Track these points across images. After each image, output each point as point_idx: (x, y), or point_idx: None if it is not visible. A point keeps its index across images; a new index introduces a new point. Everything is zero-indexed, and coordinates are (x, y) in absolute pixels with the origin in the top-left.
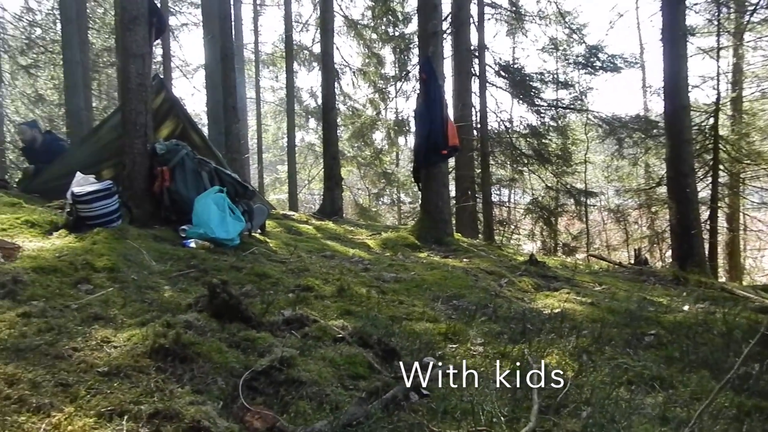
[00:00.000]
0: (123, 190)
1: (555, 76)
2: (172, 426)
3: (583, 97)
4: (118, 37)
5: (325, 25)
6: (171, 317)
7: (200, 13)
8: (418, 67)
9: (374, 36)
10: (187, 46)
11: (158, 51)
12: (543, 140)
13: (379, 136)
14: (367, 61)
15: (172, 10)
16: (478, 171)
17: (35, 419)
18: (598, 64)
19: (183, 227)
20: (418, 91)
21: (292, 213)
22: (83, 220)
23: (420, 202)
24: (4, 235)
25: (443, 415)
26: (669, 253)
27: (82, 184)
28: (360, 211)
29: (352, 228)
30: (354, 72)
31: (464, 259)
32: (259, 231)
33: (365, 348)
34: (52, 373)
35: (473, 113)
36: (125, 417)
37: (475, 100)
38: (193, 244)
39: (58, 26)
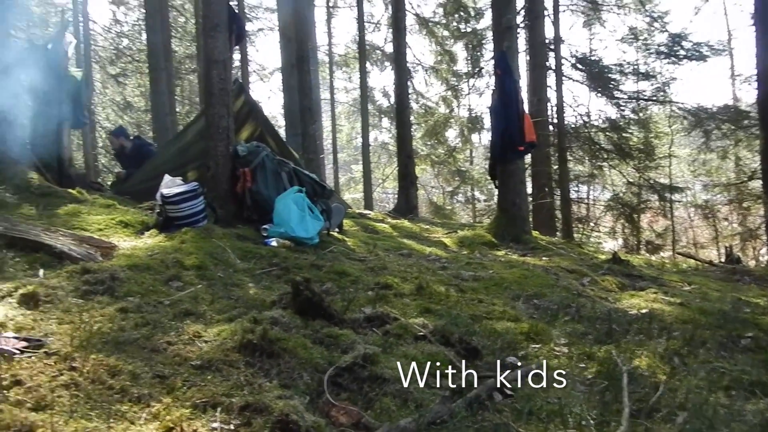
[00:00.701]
0: (208, 191)
1: (635, 67)
2: (261, 419)
3: (666, 88)
4: (200, 45)
5: (397, 23)
6: (257, 314)
7: (276, 17)
8: (491, 62)
9: (446, 33)
10: (264, 50)
11: (237, 56)
12: (623, 134)
13: (452, 134)
14: (439, 58)
15: (249, 16)
16: (556, 167)
17: (136, 408)
18: (682, 53)
19: (264, 226)
20: (492, 87)
21: (367, 212)
22: (172, 220)
23: (496, 199)
24: (101, 234)
25: (528, 416)
26: (764, 250)
27: (170, 186)
28: (434, 209)
29: (427, 226)
30: (426, 70)
31: (543, 258)
32: (337, 230)
33: (446, 346)
34: (149, 365)
35: (549, 108)
36: (218, 409)
37: (551, 94)
38: (274, 243)
39: (144, 36)
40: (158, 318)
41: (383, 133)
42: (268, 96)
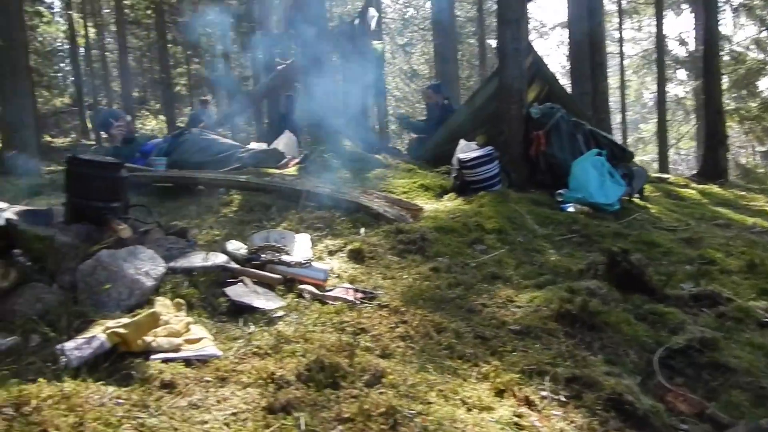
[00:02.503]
0: (501, 155)
1: None
2: (592, 394)
3: None
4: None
5: None
6: (572, 283)
7: None
8: None
9: None
10: (542, 4)
11: None
12: None
13: (766, 84)
14: None
15: None
16: None
17: (465, 366)
18: None
19: (560, 191)
20: None
21: (666, 176)
22: (468, 184)
23: None
24: (406, 197)
25: None
26: None
27: (467, 150)
28: (743, 172)
29: (742, 193)
30: (735, 9)
31: None
32: (637, 195)
33: None
34: (470, 325)
35: None
36: (545, 377)
37: None
38: (571, 209)
39: (428, 4)
40: (468, 279)
41: (676, 88)
42: (547, 54)
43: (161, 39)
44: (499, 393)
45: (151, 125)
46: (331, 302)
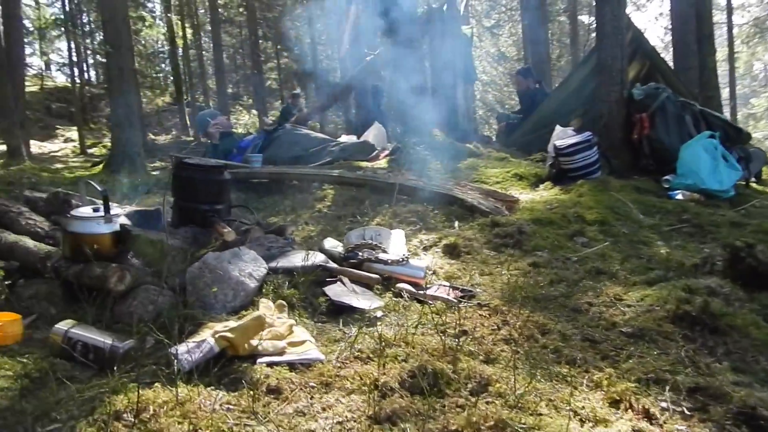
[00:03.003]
0: (600, 140)
1: None
2: (720, 407)
3: None
4: None
5: None
6: (688, 281)
7: None
8: None
9: None
10: None
11: None
12: None
13: None
14: None
15: None
16: None
17: (574, 372)
18: None
19: (666, 177)
20: None
21: None
22: (565, 172)
23: None
24: (499, 187)
25: None
26: None
27: (563, 137)
28: None
29: None
30: None
31: None
32: (754, 180)
33: None
34: (576, 326)
35: None
36: (664, 387)
37: None
38: (680, 196)
39: None
40: (570, 275)
41: None
42: (644, 28)
43: (252, 35)
44: (615, 403)
45: (245, 119)
46: (430, 302)
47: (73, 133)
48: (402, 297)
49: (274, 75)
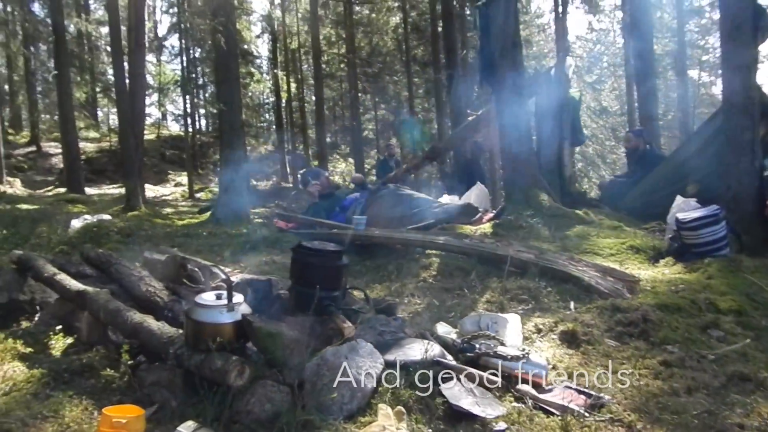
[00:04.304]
0: (728, 213)
1: None
2: None
3: None
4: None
5: None
6: None
7: None
8: None
9: None
10: None
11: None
12: None
13: None
14: None
15: None
16: None
17: None
18: None
19: None
20: None
21: None
22: (688, 247)
23: None
24: (613, 260)
25: None
26: None
27: (685, 209)
28: None
29: None
30: None
31: None
32: None
33: None
34: None
35: None
36: None
37: None
38: None
39: (618, 40)
40: (709, 380)
41: None
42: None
43: (353, 89)
44: None
45: (341, 167)
46: (554, 411)
47: (183, 178)
48: (524, 403)
49: (371, 126)
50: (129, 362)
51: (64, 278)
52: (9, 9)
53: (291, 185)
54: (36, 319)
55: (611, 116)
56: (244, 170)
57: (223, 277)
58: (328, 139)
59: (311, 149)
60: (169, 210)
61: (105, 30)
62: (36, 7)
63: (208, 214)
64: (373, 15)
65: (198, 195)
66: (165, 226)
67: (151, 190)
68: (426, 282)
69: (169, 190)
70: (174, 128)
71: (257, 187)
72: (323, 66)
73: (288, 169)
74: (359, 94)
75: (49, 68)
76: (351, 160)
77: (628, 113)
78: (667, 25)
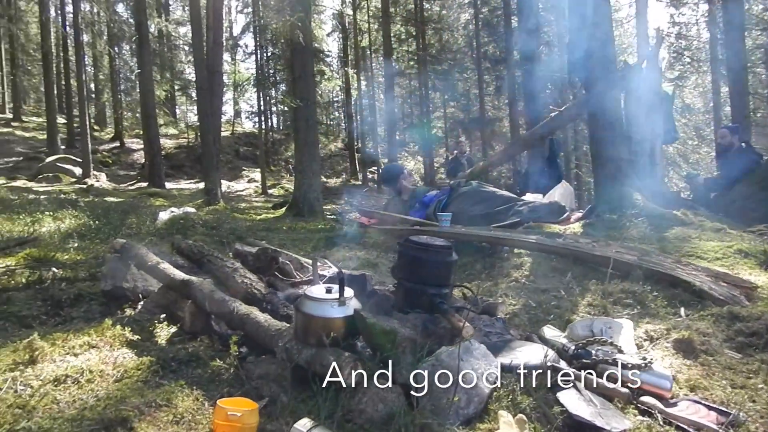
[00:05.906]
0: None
1: None
2: None
3: None
4: None
5: None
6: None
7: None
8: None
9: None
10: None
11: None
12: None
13: None
14: None
15: None
16: None
17: None
18: None
19: None
20: None
21: None
22: None
23: None
24: (720, 265)
25: None
26: None
27: None
28: None
29: None
30: None
31: None
32: None
33: None
34: None
35: None
36: None
37: None
38: None
39: (704, 34)
40: None
41: None
42: None
43: (422, 87)
44: None
45: (410, 166)
46: (687, 427)
47: (257, 174)
48: (651, 416)
49: (440, 123)
50: (236, 353)
51: (167, 267)
52: (95, 10)
53: (360, 183)
54: (139, 307)
55: (695, 113)
56: (319, 167)
57: (334, 269)
58: (397, 137)
59: (380, 147)
60: (243, 205)
61: (183, 30)
62: (120, 8)
63: (283, 209)
64: (444, 11)
65: (271, 191)
66: (244, 220)
67: (225, 186)
68: (518, 282)
69: (243, 185)
70: (247, 125)
71: (327, 184)
72: (394, 64)
73: (357, 167)
74: (429, 92)
75: (132, 67)
76: (420, 158)
77: (713, 110)
78: (758, 16)
